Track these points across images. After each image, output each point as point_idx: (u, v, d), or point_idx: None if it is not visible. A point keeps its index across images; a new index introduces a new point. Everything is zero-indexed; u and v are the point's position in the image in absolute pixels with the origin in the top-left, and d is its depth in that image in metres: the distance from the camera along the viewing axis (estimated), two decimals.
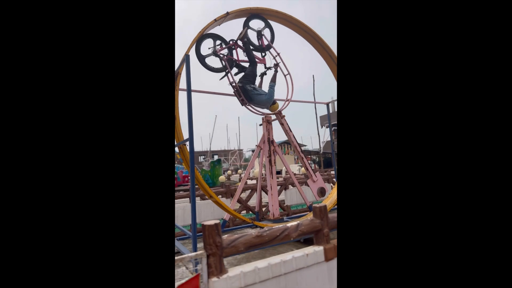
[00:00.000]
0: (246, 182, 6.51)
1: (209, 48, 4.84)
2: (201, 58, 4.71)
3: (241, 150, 22.99)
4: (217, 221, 1.81)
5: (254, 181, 8.73)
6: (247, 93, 4.80)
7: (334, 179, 7.76)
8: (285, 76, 5.32)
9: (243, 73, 4.98)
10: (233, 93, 4.98)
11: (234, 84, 4.83)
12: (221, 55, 4.87)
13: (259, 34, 5.15)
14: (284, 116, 5.38)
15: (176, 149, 4.39)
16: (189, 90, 3.79)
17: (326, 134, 17.40)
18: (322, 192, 5.55)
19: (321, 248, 2.20)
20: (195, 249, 3.65)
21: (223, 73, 4.90)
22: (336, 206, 6.01)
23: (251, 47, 5.05)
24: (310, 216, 5.34)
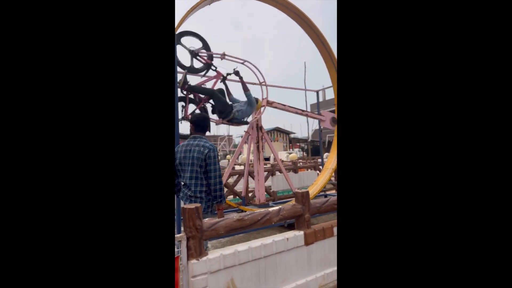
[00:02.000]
0: (233, 168, 6.52)
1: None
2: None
3: (231, 136, 22.92)
4: (198, 205, 1.80)
5: (241, 167, 8.76)
6: (239, 117, 4.55)
7: (321, 167, 7.86)
8: (243, 63, 4.80)
9: (213, 109, 4.54)
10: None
11: (224, 123, 4.56)
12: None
13: (194, 54, 4.48)
14: (273, 102, 5.34)
15: None
16: (175, 70, 3.68)
17: (315, 123, 17.54)
18: (334, 120, 5.73)
19: (301, 232, 2.24)
20: (179, 231, 3.67)
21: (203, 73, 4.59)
22: (320, 193, 6.13)
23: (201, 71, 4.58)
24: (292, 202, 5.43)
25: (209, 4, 4.69)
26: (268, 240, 2.07)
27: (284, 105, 5.54)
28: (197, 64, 4.65)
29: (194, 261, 1.74)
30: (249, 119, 4.98)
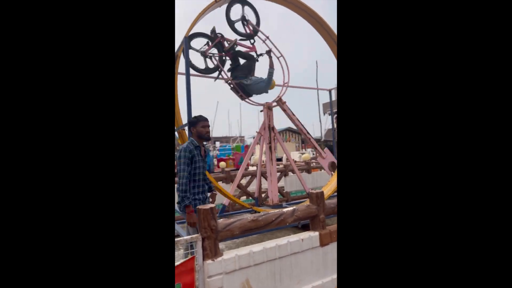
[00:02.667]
0: (246, 168, 6.52)
1: (200, 49, 4.60)
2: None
3: (243, 137, 22.98)
4: (213, 205, 1.81)
5: (254, 168, 8.76)
6: (245, 87, 4.70)
7: None
8: (278, 58, 5.14)
9: (236, 67, 4.81)
10: (231, 89, 4.85)
11: (230, 82, 4.72)
12: (210, 55, 4.67)
13: (244, 20, 4.81)
14: (285, 102, 5.32)
15: (176, 135, 4.36)
16: (187, 74, 3.73)
17: (328, 122, 17.31)
18: (333, 166, 5.54)
19: (316, 233, 2.21)
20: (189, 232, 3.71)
21: (215, 74, 4.71)
22: (335, 193, 6.06)
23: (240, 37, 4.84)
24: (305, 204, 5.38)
25: (219, 6, 4.74)
26: (283, 241, 2.05)
27: (294, 115, 5.51)
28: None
29: (209, 261, 1.75)
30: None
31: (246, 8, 4.83)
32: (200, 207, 1.80)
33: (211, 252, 1.78)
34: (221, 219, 1.94)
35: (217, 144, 12.27)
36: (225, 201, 5.39)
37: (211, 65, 4.72)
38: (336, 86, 7.60)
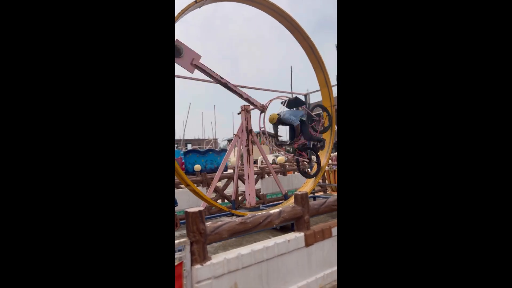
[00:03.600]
0: (222, 171, 6.45)
1: None
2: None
3: (216, 139, 22.70)
4: (202, 209, 1.77)
5: (230, 171, 8.70)
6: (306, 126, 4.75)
7: (309, 169, 7.94)
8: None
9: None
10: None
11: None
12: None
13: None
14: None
15: None
16: (174, 70, 3.62)
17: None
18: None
19: (301, 234, 2.25)
20: None
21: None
22: (310, 195, 6.21)
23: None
24: (285, 204, 5.45)
25: (199, 7, 4.67)
26: (270, 242, 2.06)
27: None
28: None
29: (198, 266, 1.71)
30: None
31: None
32: (188, 210, 1.75)
33: (200, 256, 1.73)
34: (209, 223, 1.90)
35: (189, 146, 11.99)
36: (202, 205, 5.28)
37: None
38: (308, 91, 7.80)
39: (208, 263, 1.75)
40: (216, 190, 5.95)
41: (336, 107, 6.08)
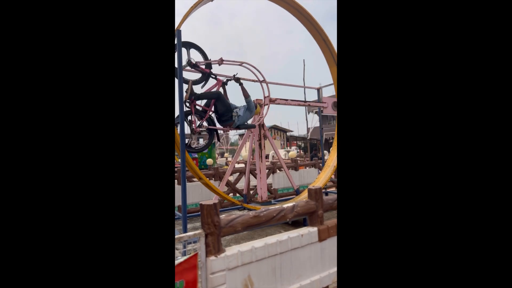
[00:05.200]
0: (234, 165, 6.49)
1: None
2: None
3: (227, 133, 22.82)
4: (216, 201, 1.79)
5: (241, 165, 8.73)
6: (241, 126, 4.59)
7: (321, 165, 7.89)
8: (240, 64, 4.79)
9: (216, 115, 4.54)
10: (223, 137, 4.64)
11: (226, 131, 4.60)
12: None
13: (192, 65, 4.46)
14: (276, 98, 5.33)
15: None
16: (180, 68, 3.65)
17: (314, 121, 17.53)
18: (336, 104, 5.85)
19: (315, 229, 2.24)
20: (185, 230, 3.64)
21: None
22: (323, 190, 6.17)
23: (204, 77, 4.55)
24: (297, 199, 5.44)
25: (212, 1, 4.65)
26: (283, 236, 2.06)
27: (286, 100, 5.54)
28: (196, 75, 4.62)
29: (212, 257, 1.73)
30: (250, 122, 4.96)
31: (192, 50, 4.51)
32: (203, 202, 1.77)
33: (214, 248, 1.75)
34: (223, 215, 1.92)
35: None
36: (214, 198, 5.34)
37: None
38: (320, 85, 7.69)
39: (222, 255, 1.77)
40: (228, 184, 6.00)
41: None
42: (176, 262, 1.61)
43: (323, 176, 5.84)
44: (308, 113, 16.56)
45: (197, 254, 1.71)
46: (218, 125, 4.65)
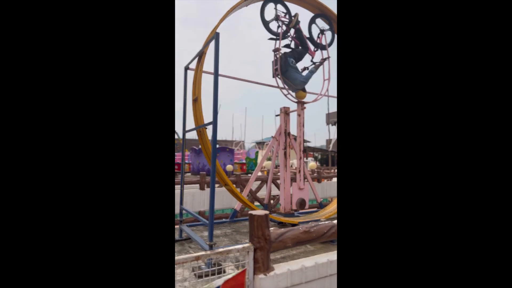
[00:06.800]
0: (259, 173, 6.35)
1: (275, 16, 4.59)
2: (265, 23, 4.54)
3: (242, 141, 22.84)
4: (266, 212, 1.62)
5: (260, 173, 8.58)
6: (287, 65, 4.59)
7: None
8: (324, 80, 5.06)
9: (291, 49, 4.76)
10: (272, 61, 4.75)
11: (277, 52, 4.61)
12: (280, 22, 4.64)
13: (321, 32, 4.98)
14: (305, 107, 5.18)
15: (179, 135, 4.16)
16: (216, 72, 3.55)
17: (334, 132, 17.23)
18: (302, 204, 4.93)
19: None
20: (211, 238, 3.48)
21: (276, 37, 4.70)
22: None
23: (306, 37, 4.87)
24: (322, 213, 5.18)
25: (246, 6, 4.61)
26: (334, 256, 1.87)
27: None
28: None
29: (261, 276, 1.56)
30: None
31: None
32: (254, 213, 1.61)
33: (263, 265, 1.58)
34: (272, 229, 1.75)
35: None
36: (237, 206, 5.19)
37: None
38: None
39: (272, 273, 1.59)
40: (250, 192, 5.84)
41: None
42: (223, 278, 1.45)
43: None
44: (326, 124, 16.32)
45: (245, 270, 1.54)
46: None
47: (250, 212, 1.63)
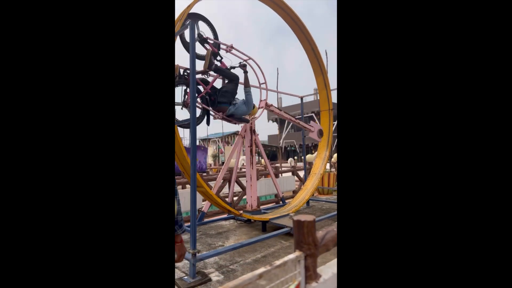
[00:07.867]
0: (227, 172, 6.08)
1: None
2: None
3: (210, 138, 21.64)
4: (313, 217, 1.53)
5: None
6: (228, 115, 4.29)
7: (299, 172, 7.94)
8: (246, 61, 4.59)
9: (219, 91, 4.26)
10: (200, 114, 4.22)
11: (219, 117, 4.22)
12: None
13: (203, 40, 4.24)
14: (271, 104, 5.18)
15: None
16: (193, 60, 3.21)
17: (273, 128, 17.72)
18: (321, 133, 5.83)
19: None
20: (194, 245, 3.17)
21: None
22: (311, 198, 6.18)
23: (220, 64, 4.31)
24: (286, 208, 5.30)
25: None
26: None
27: (280, 110, 5.43)
28: (202, 51, 4.22)
29: (314, 284, 1.46)
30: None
31: (200, 23, 4.22)
32: (302, 218, 1.49)
33: (314, 272, 1.48)
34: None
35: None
36: (204, 208, 4.89)
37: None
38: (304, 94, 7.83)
39: (321, 279, 1.51)
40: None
41: (333, 110, 6.17)
42: None
43: (310, 183, 5.86)
44: (268, 121, 16.77)
45: (300, 284, 1.42)
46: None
47: (297, 218, 1.51)
